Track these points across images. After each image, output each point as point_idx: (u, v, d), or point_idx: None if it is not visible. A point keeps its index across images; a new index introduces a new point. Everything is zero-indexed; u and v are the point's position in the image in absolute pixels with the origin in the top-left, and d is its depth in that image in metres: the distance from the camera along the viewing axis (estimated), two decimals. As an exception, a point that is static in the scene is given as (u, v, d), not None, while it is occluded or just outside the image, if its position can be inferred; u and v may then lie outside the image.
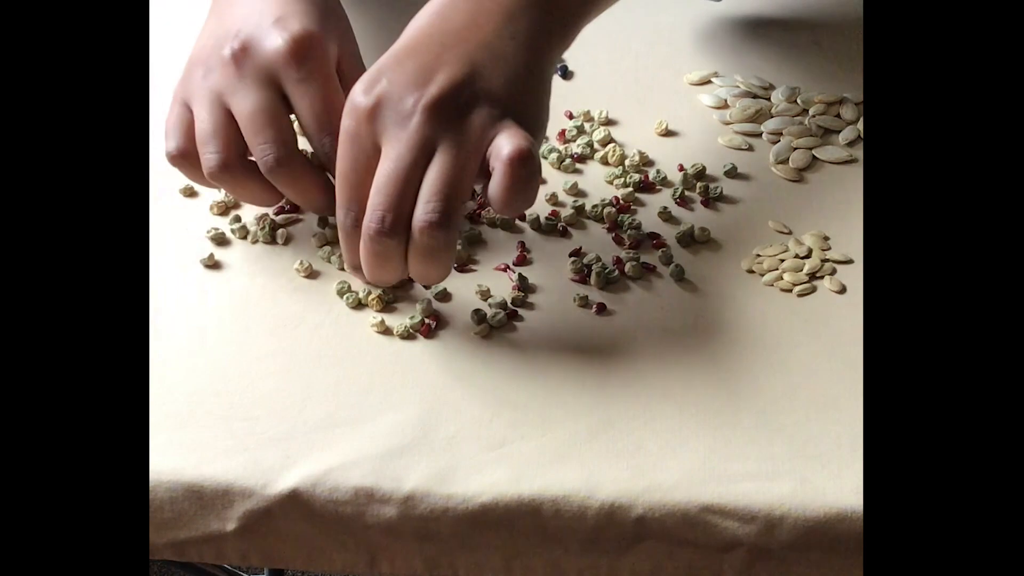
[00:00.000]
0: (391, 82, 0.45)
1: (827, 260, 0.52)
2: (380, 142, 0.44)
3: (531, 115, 0.46)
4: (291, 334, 0.48)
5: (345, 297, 0.49)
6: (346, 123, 0.45)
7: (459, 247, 0.51)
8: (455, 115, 0.44)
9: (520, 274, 0.51)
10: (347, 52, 0.51)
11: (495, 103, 0.44)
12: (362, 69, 0.50)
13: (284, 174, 0.47)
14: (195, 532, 0.42)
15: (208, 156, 0.48)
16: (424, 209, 0.43)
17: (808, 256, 0.52)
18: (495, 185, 0.43)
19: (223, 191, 0.54)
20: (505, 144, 0.43)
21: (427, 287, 0.50)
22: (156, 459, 0.42)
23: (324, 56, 0.48)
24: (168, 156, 0.49)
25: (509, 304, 0.49)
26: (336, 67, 0.49)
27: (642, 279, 0.51)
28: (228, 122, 0.48)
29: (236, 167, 0.48)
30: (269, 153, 0.47)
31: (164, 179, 0.55)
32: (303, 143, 0.50)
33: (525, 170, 0.43)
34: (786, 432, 0.44)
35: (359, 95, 0.45)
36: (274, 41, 0.48)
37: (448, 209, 0.43)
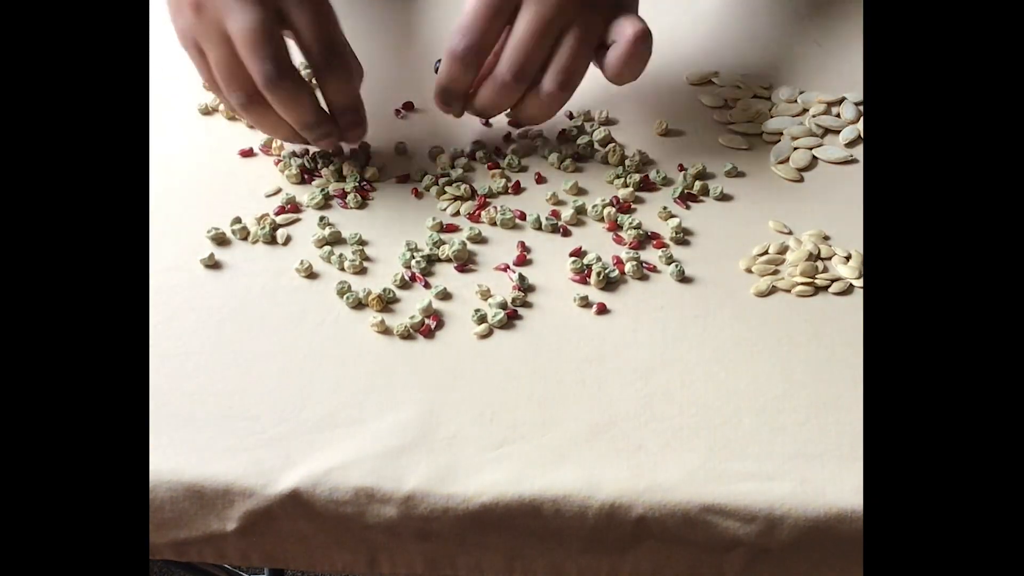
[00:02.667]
0: None
1: (827, 260, 0.52)
2: (520, 2, 0.53)
3: (636, 8, 0.56)
4: (291, 334, 0.48)
5: (345, 297, 0.49)
6: None
7: (460, 246, 0.51)
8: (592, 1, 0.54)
9: (520, 274, 0.51)
10: None
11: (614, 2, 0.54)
12: None
13: (280, 89, 0.50)
14: (196, 532, 0.42)
15: (233, 96, 0.51)
16: (556, 77, 0.54)
17: (808, 256, 0.52)
18: (615, 57, 0.54)
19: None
20: (628, 25, 0.54)
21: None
22: (157, 459, 0.42)
23: None
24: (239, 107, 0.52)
25: (509, 304, 0.49)
26: None
27: (642, 279, 0.51)
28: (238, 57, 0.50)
29: (259, 100, 0.51)
30: (267, 69, 0.50)
31: (164, 179, 0.55)
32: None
33: (645, 47, 0.54)
34: (786, 432, 0.44)
35: None
36: None
37: (574, 82, 0.54)
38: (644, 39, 0.53)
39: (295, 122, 0.52)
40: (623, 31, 0.53)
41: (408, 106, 0.61)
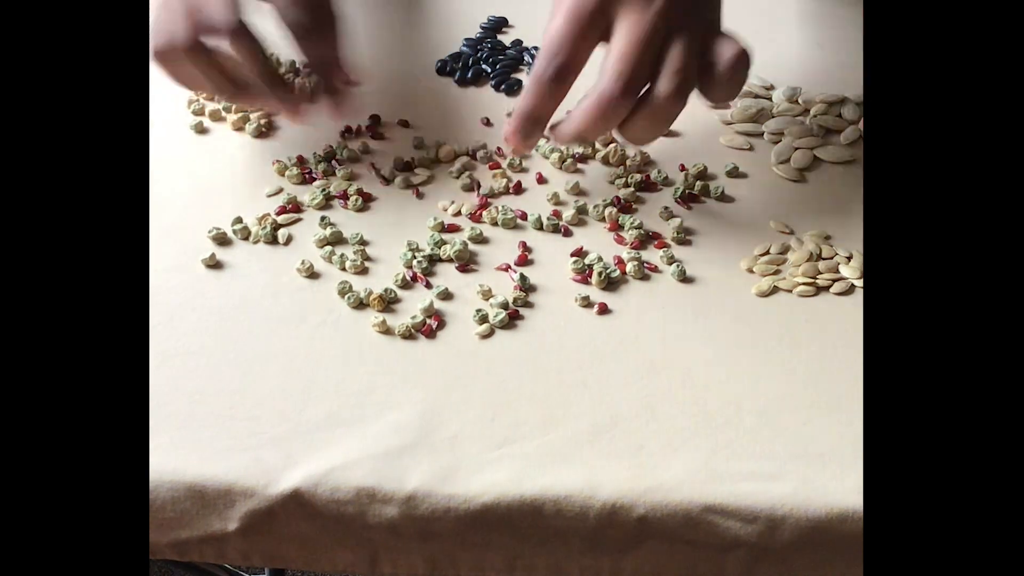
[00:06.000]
0: None
1: (828, 259, 0.52)
2: (613, 14, 0.49)
3: (719, 24, 0.52)
4: (292, 334, 0.48)
5: (346, 297, 0.49)
6: None
7: (461, 246, 0.51)
8: (692, 11, 0.49)
9: (522, 274, 0.51)
10: None
11: (708, 10, 0.51)
12: None
13: (238, 40, 0.50)
14: (197, 532, 0.42)
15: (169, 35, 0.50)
16: (671, 80, 0.48)
17: (809, 256, 0.52)
18: (718, 80, 0.49)
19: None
20: (728, 47, 0.49)
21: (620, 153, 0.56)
22: (158, 459, 0.42)
23: None
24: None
25: (511, 304, 0.49)
26: None
27: (644, 279, 0.51)
28: None
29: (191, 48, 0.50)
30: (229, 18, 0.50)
31: (165, 178, 0.55)
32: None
33: (745, 68, 0.49)
34: (788, 432, 0.44)
35: None
36: None
37: (689, 84, 0.49)
38: (745, 61, 0.49)
39: (251, 72, 0.52)
40: (723, 52, 0.49)
41: (404, 123, 0.61)
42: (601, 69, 0.49)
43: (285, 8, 0.51)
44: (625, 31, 0.48)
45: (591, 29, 0.49)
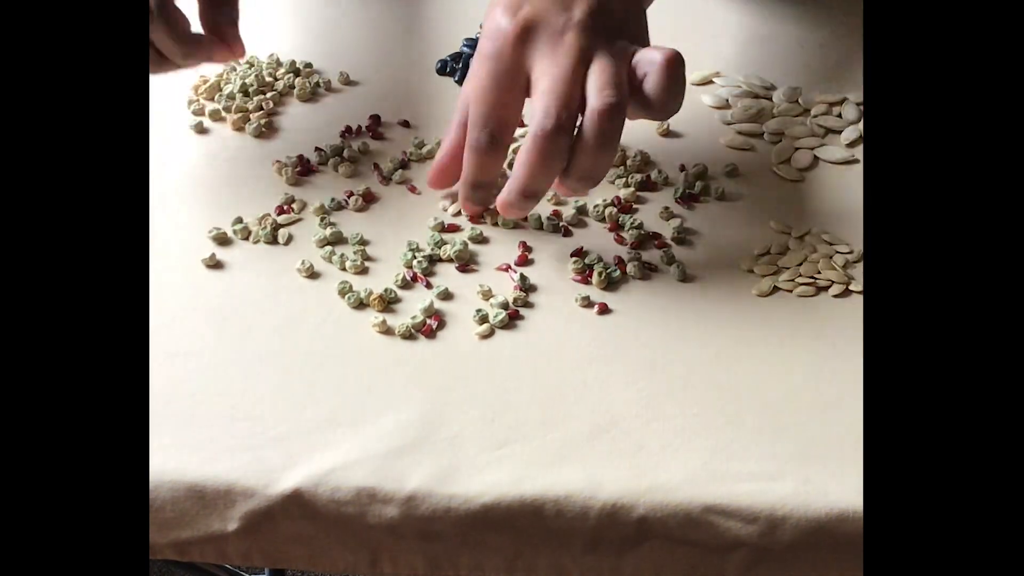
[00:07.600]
0: (534, 6, 0.48)
1: (828, 260, 0.52)
2: (529, 63, 0.48)
3: (646, 41, 0.51)
4: (293, 334, 0.48)
5: (347, 297, 0.49)
6: (489, 46, 0.49)
7: (461, 246, 0.51)
8: (604, 33, 0.48)
9: (522, 274, 0.51)
10: None
11: (626, 31, 0.49)
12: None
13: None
14: (197, 532, 0.42)
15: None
16: (600, 96, 0.46)
17: (809, 256, 0.52)
18: (653, 87, 0.47)
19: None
20: (656, 53, 0.47)
21: (566, 200, 0.55)
22: (158, 459, 0.42)
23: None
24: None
25: (511, 304, 0.49)
26: None
27: (644, 279, 0.51)
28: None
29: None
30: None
31: (165, 178, 0.55)
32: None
33: (680, 70, 0.47)
34: (788, 432, 0.44)
35: (503, 19, 0.48)
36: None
37: (621, 95, 0.47)
38: (677, 62, 0.47)
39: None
40: (652, 58, 0.47)
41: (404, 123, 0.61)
42: (530, 116, 0.48)
43: None
44: (543, 73, 0.48)
45: (513, 85, 0.48)
